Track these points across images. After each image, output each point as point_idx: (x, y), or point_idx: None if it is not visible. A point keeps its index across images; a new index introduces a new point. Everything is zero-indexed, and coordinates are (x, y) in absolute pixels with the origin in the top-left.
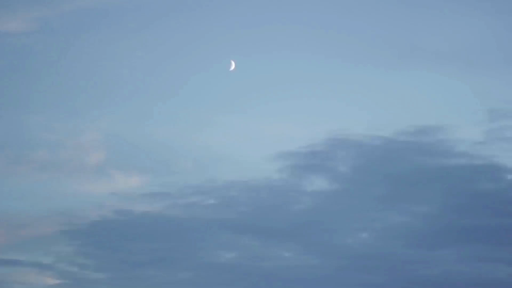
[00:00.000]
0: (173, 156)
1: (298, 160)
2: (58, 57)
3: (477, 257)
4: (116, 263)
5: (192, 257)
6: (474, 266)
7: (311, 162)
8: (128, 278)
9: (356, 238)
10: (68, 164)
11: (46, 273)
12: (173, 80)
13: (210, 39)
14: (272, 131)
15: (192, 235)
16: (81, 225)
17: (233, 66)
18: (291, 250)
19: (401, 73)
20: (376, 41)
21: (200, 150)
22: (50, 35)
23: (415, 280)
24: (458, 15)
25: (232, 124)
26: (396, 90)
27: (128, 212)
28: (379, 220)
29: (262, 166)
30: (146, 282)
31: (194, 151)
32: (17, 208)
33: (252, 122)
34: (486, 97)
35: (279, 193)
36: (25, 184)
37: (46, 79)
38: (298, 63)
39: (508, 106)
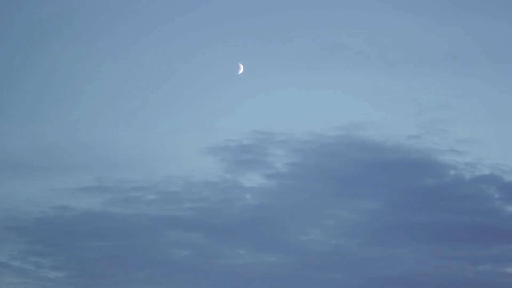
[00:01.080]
0: (108, 152)
1: (229, 155)
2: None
3: (437, 255)
4: (71, 262)
5: (145, 255)
6: (435, 264)
7: (243, 158)
8: (85, 276)
9: (309, 235)
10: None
11: (4, 272)
12: (102, 82)
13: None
14: (196, 125)
15: (140, 232)
16: (25, 221)
17: (241, 69)
18: (244, 247)
19: (326, 71)
20: (305, 41)
21: (134, 145)
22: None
23: (378, 279)
24: (379, 17)
25: (158, 120)
26: (324, 87)
27: (70, 208)
28: (328, 217)
29: (195, 161)
30: (104, 280)
31: (127, 146)
32: None
33: (176, 116)
34: (412, 92)
35: (219, 189)
36: None
37: None
38: (222, 59)
39: (434, 100)
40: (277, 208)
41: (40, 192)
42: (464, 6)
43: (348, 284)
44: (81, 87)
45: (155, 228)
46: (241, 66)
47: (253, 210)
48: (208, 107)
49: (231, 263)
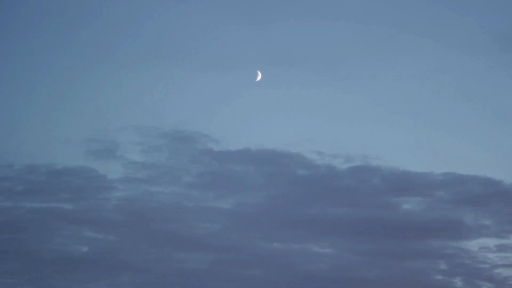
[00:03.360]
0: None
1: (79, 144)
2: None
3: (355, 251)
4: None
5: (46, 251)
6: (357, 260)
7: (94, 147)
8: None
9: (205, 229)
10: None
11: None
12: None
13: None
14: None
15: (29, 226)
16: None
17: (259, 77)
18: (144, 241)
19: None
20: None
21: None
22: None
23: (301, 275)
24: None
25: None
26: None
27: None
28: (215, 210)
29: (49, 149)
30: (12, 277)
31: None
32: None
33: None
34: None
35: (86, 179)
36: None
37: None
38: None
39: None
40: (157, 200)
41: None
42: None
43: (272, 282)
44: None
45: (42, 222)
46: (259, 74)
47: (133, 202)
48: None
49: (137, 258)
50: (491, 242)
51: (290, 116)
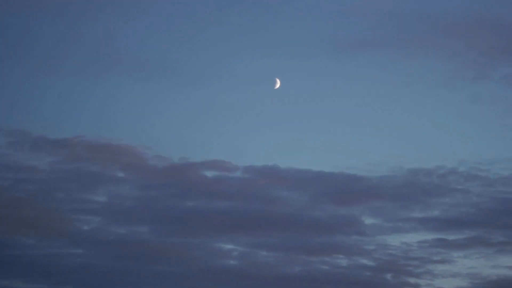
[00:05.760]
0: None
1: None
2: None
3: (265, 246)
4: None
5: None
6: (267, 256)
7: None
8: None
9: (89, 224)
10: None
11: None
12: None
13: None
14: None
15: None
16: None
17: (278, 84)
18: (32, 237)
19: None
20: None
21: None
22: None
23: (212, 270)
24: None
25: None
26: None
27: None
28: (88, 202)
29: None
30: None
31: None
32: None
33: None
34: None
35: None
36: None
37: None
38: None
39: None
40: (23, 189)
41: None
42: None
43: (186, 278)
44: None
45: None
46: (278, 81)
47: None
48: None
49: (36, 254)
50: (411, 238)
51: (125, 111)
